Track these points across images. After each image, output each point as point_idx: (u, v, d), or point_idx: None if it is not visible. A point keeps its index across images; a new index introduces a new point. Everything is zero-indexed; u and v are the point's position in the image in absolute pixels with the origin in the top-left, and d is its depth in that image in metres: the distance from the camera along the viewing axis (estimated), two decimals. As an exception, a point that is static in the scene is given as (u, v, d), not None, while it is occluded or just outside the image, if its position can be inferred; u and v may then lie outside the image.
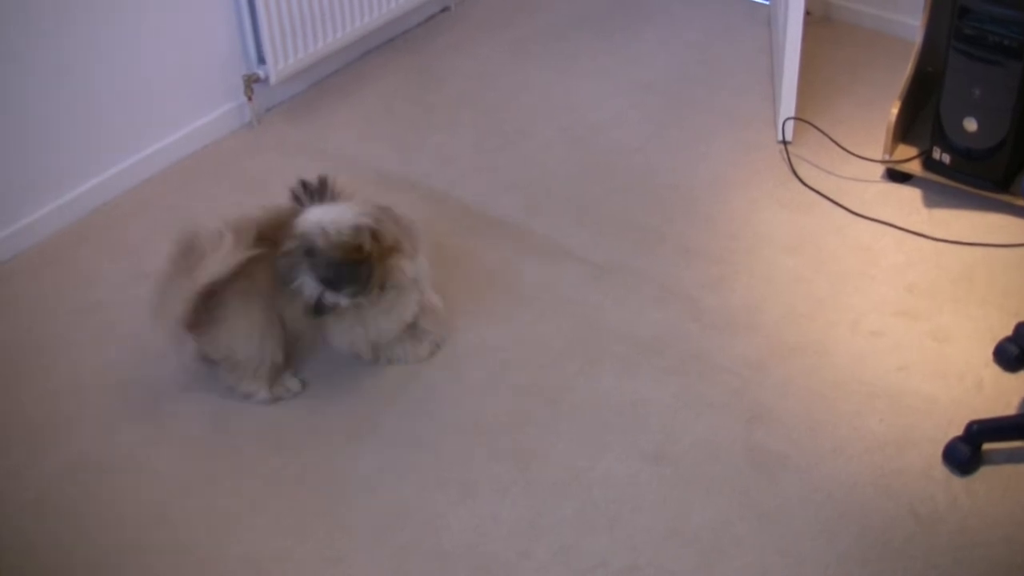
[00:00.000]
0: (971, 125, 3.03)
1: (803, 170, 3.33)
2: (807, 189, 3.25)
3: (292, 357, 2.68)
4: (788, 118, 3.41)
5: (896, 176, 3.27)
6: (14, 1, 2.84)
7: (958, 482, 2.39)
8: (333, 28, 3.67)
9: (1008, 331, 2.73)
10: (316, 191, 2.49)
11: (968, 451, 2.40)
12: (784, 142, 3.45)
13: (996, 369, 2.65)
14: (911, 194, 3.22)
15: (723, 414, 2.56)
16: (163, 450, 2.51)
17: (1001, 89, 2.94)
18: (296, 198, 2.50)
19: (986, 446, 2.44)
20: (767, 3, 4.23)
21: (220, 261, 2.41)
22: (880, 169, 3.31)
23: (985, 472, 2.41)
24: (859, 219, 3.13)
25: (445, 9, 4.24)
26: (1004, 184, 3.10)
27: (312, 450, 2.50)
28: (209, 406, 2.61)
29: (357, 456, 2.49)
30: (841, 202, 3.19)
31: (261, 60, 3.54)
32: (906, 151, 3.27)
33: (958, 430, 2.46)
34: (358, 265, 2.38)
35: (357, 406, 2.61)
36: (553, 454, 2.48)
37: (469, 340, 2.78)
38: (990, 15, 2.89)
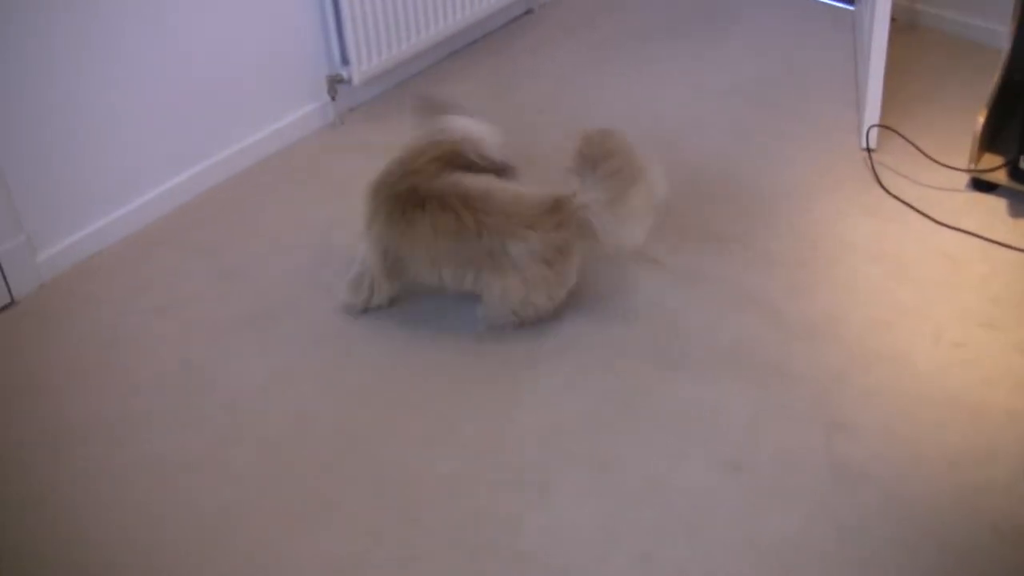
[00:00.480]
0: (1061, 135, 2.98)
1: (887, 178, 3.30)
2: (890, 197, 3.22)
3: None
4: (872, 125, 3.38)
5: (981, 185, 3.22)
6: (98, 5, 2.90)
7: (1043, 499, 2.36)
8: (416, 30, 3.70)
9: (1096, 346, 2.69)
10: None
11: (1054, 468, 2.37)
12: (868, 149, 3.41)
13: (1084, 384, 2.61)
14: (997, 204, 3.18)
15: (803, 423, 2.55)
16: (240, 449, 2.54)
17: (1093, 99, 2.89)
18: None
19: (1073, 463, 2.41)
20: (851, 8, 4.20)
21: None
22: (965, 178, 3.26)
23: (1071, 490, 2.38)
24: (943, 228, 3.09)
25: (528, 11, 4.25)
26: (1094, 195, 3.05)
27: (389, 450, 2.52)
28: (286, 406, 2.64)
29: (435, 457, 2.50)
30: (925, 211, 3.15)
31: (345, 61, 3.58)
32: (992, 160, 3.22)
33: (1044, 446, 2.43)
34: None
35: (435, 406, 2.63)
36: (631, 460, 2.48)
37: (547, 344, 2.78)
38: (1083, 24, 2.85)
